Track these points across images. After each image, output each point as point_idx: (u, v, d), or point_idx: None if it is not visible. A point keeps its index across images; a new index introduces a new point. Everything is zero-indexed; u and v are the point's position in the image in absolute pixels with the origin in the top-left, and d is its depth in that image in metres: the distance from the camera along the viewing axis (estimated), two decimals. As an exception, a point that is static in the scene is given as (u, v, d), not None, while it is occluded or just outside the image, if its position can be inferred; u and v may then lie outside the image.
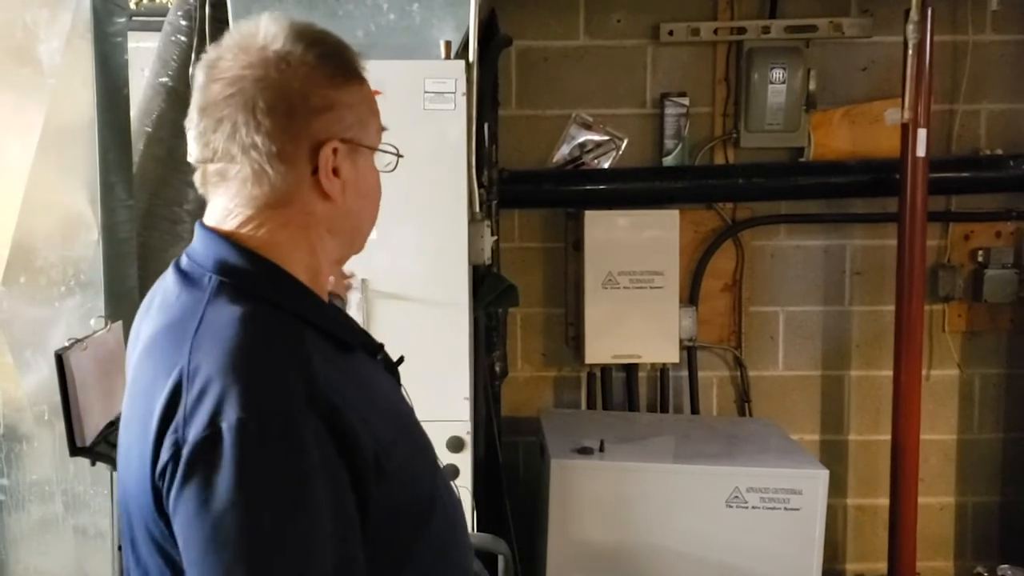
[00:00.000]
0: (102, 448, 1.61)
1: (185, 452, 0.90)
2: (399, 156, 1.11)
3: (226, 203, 1.04)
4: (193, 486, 0.89)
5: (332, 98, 1.03)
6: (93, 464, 1.67)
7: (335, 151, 1.03)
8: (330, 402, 0.94)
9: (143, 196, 2.72)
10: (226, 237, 1.03)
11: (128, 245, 2.60)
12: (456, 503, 1.16)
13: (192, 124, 1.04)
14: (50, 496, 2.38)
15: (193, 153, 1.05)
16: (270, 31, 1.02)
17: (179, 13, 2.70)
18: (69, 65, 2.29)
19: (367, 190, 1.09)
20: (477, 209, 2.27)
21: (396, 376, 1.17)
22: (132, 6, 3.00)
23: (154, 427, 0.93)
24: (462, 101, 2.22)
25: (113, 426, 1.69)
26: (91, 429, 1.58)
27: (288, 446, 0.90)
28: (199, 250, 1.05)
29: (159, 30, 2.79)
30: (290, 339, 0.98)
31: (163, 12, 2.82)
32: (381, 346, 1.15)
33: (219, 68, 1.02)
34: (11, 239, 2.31)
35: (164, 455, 0.92)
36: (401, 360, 1.19)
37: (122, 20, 2.52)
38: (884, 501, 3.22)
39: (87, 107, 2.33)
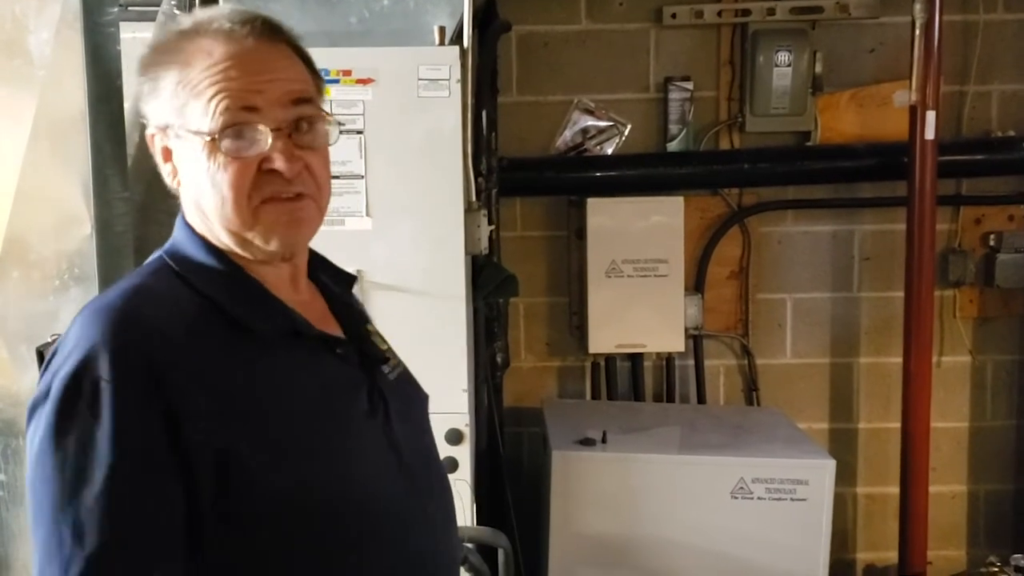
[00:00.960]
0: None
1: (29, 403, 0.97)
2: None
3: None
4: (28, 432, 0.97)
5: (154, 85, 1.07)
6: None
7: (152, 137, 1.11)
8: (167, 383, 0.95)
9: (139, 189, 2.69)
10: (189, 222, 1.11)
11: (124, 238, 2.57)
12: (404, 520, 1.09)
13: None
14: (48, 491, 2.37)
15: None
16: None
17: (173, 2, 2.67)
18: (59, 56, 2.26)
19: (199, 170, 1.05)
20: (473, 198, 2.24)
21: (368, 371, 1.14)
22: (127, -4, 2.96)
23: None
24: (457, 88, 2.17)
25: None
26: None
27: (90, 419, 0.92)
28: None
29: (155, 20, 2.76)
30: (159, 313, 1.00)
31: (158, 2, 2.79)
32: (335, 339, 1.12)
33: None
34: (4, 233, 2.29)
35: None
36: (380, 356, 1.16)
37: (114, 10, 2.49)
38: (895, 490, 3.17)
39: (78, 99, 2.31)
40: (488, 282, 2.60)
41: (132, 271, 2.57)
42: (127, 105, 2.64)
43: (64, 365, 0.95)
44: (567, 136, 3.29)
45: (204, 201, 1.05)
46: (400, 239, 2.22)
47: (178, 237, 1.10)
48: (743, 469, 2.53)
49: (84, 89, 2.30)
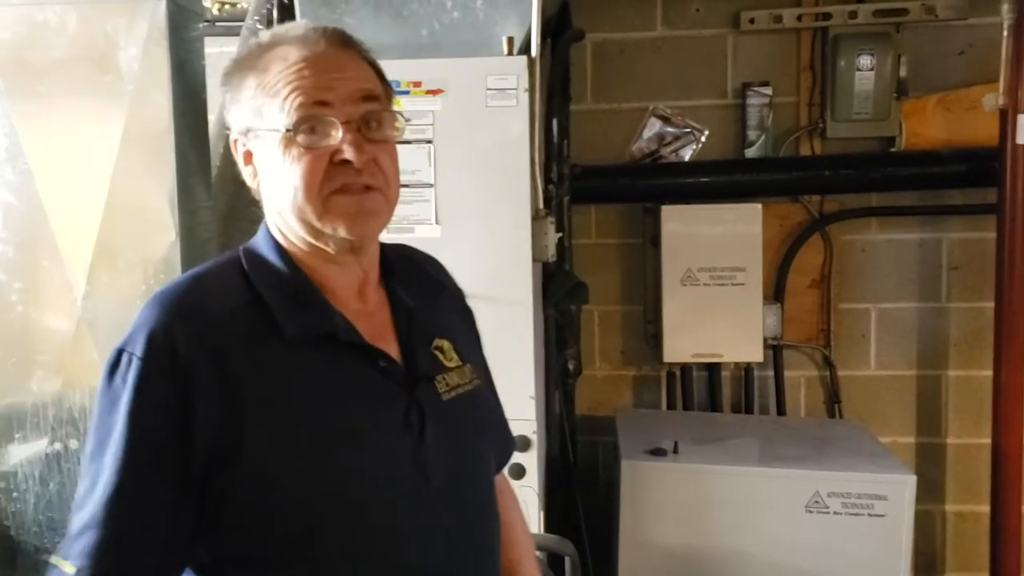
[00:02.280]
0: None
1: None
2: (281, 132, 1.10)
3: None
4: None
5: (234, 95, 1.15)
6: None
7: (235, 142, 1.17)
8: (189, 366, 1.02)
9: (223, 197, 2.79)
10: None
11: (208, 246, 2.67)
12: (409, 535, 1.10)
13: None
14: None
15: None
16: None
17: (256, 17, 2.77)
18: (146, 71, 2.36)
19: (276, 169, 1.11)
20: (541, 205, 2.25)
21: (410, 387, 1.14)
22: (215, 12, 3.08)
23: None
24: (524, 97, 2.19)
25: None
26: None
27: (117, 386, 1.03)
28: None
29: (239, 35, 2.86)
30: (206, 300, 1.08)
31: (242, 17, 2.89)
32: (377, 352, 1.13)
33: None
34: (95, 240, 2.41)
35: None
36: (429, 375, 1.17)
37: (198, 26, 2.59)
38: (986, 508, 3.04)
39: (165, 111, 2.41)
40: (558, 289, 2.61)
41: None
42: (212, 117, 2.75)
43: (120, 340, 1.07)
44: (642, 143, 3.28)
45: (280, 194, 1.11)
46: (468, 246, 2.24)
47: (258, 236, 1.18)
48: (818, 483, 2.46)
49: (170, 102, 2.40)
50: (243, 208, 2.83)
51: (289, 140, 1.08)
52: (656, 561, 2.54)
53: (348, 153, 1.08)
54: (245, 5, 3.05)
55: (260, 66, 1.11)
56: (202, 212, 2.61)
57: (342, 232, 1.10)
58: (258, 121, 1.11)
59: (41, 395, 2.42)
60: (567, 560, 2.24)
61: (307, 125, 1.08)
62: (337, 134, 1.08)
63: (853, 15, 3.09)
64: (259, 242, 1.16)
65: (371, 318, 1.17)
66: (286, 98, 1.08)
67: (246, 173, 1.17)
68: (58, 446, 2.42)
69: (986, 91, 2.93)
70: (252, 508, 1.03)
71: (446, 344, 1.23)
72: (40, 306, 2.41)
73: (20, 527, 2.46)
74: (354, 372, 1.11)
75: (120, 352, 1.05)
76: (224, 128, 3.04)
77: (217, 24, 3.08)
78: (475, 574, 1.18)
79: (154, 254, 2.46)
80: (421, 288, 1.25)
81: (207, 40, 2.73)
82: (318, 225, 1.10)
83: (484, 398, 1.27)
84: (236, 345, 1.06)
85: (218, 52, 3.15)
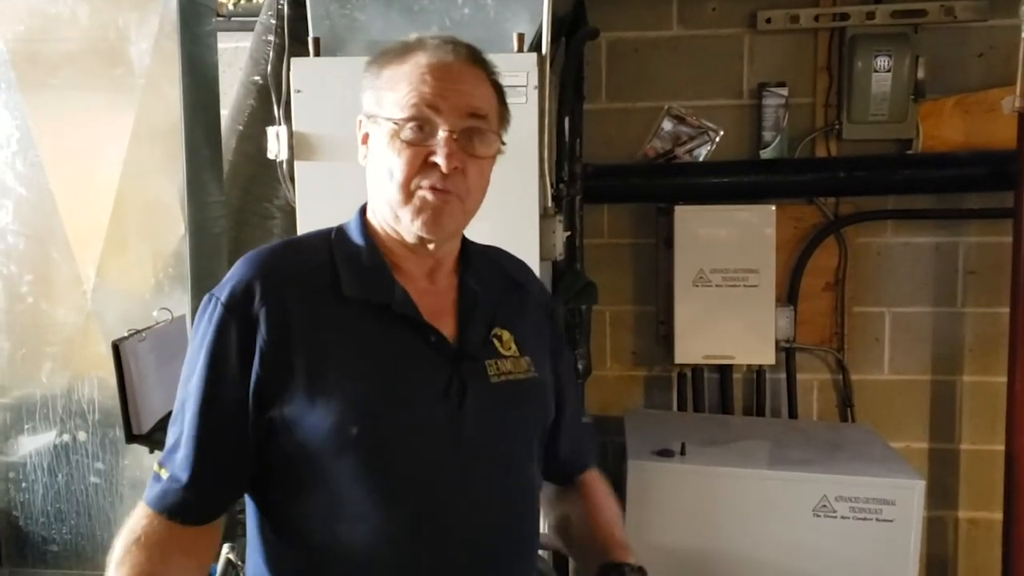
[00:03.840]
0: (159, 436, 1.65)
1: None
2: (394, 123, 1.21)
3: None
4: None
5: (369, 82, 1.26)
6: (151, 452, 1.72)
7: (360, 123, 1.27)
8: (258, 313, 1.17)
9: (235, 193, 2.79)
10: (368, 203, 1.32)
11: (219, 240, 2.68)
12: (468, 501, 1.21)
13: None
14: (142, 481, 2.49)
15: None
16: None
17: (269, 13, 2.76)
18: (158, 65, 2.38)
19: (378, 153, 1.24)
20: (549, 204, 2.23)
21: (456, 363, 1.23)
22: (230, 7, 3.08)
23: None
24: (534, 94, 2.17)
25: (172, 415, 1.73)
26: (148, 417, 1.62)
27: (203, 323, 1.20)
28: None
29: (253, 30, 2.86)
30: (288, 260, 1.24)
31: (258, 12, 2.89)
32: (428, 326, 1.23)
33: None
34: (105, 234, 2.42)
35: None
36: (477, 354, 1.25)
37: (211, 21, 2.60)
38: (999, 515, 3.01)
39: (176, 105, 2.42)
40: (568, 289, 2.60)
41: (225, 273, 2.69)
42: (224, 112, 2.76)
43: (214, 287, 1.23)
44: (656, 143, 3.26)
45: (376, 177, 1.24)
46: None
47: (353, 216, 1.31)
48: (826, 486, 2.44)
49: (181, 96, 2.41)
50: (254, 203, 2.84)
51: (395, 132, 1.20)
52: (661, 562, 2.51)
53: (439, 156, 1.19)
54: (259, 0, 3.05)
55: (397, 62, 1.23)
56: (213, 207, 2.62)
57: (416, 226, 1.21)
58: (377, 108, 1.23)
59: (50, 387, 2.43)
60: (571, 560, 2.23)
61: (414, 123, 1.19)
62: (436, 138, 1.19)
63: (871, 16, 3.06)
64: (351, 221, 1.30)
65: (435, 297, 1.27)
66: (404, 95, 1.20)
67: (360, 153, 1.28)
68: (67, 437, 2.44)
69: (1005, 94, 2.89)
70: (290, 438, 1.18)
71: (506, 334, 1.30)
72: (50, 298, 2.43)
73: (28, 517, 2.48)
74: (402, 340, 1.22)
75: (211, 297, 1.21)
76: (237, 123, 3.04)
77: (232, 19, 3.08)
78: (500, 542, 1.25)
79: (164, 248, 2.47)
80: (494, 282, 1.34)
81: (221, 35, 2.74)
82: (399, 213, 1.22)
83: (541, 392, 1.33)
84: (301, 299, 1.19)
85: (232, 47, 3.17)
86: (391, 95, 1.22)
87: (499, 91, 1.28)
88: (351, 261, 1.24)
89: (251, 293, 1.18)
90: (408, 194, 1.20)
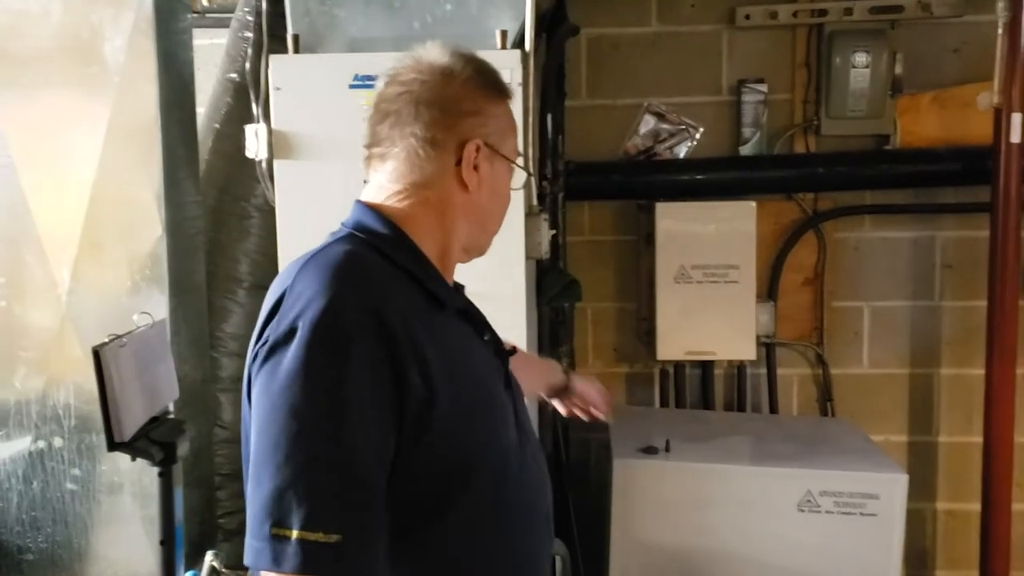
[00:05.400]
0: (141, 444, 1.62)
1: (269, 342, 1.09)
2: (530, 174, 1.32)
3: (382, 181, 1.26)
4: (267, 366, 1.08)
5: (481, 106, 1.26)
6: (133, 459, 1.69)
7: (478, 149, 1.25)
8: (394, 337, 1.09)
9: (212, 192, 2.75)
10: (372, 207, 1.25)
11: (196, 241, 2.64)
12: (536, 488, 1.28)
13: (368, 116, 1.28)
14: (119, 487, 2.44)
15: (364, 139, 1.28)
16: (440, 52, 1.27)
17: (246, 9, 2.72)
18: (133, 63, 2.33)
19: (499, 192, 1.30)
20: (535, 202, 2.22)
21: (503, 361, 1.32)
22: (205, 3, 3.03)
23: (256, 333, 1.14)
24: (519, 91, 2.16)
25: (156, 422, 1.70)
26: (130, 424, 1.59)
27: (339, 356, 1.06)
28: (348, 218, 1.27)
29: (229, 27, 2.82)
30: (380, 276, 1.17)
31: (232, 8, 2.85)
32: (486, 324, 1.32)
33: (396, 75, 1.26)
34: (79, 235, 2.37)
35: (258, 351, 1.11)
36: (510, 351, 1.35)
37: (187, 17, 2.55)
38: (976, 506, 3.04)
39: (151, 104, 2.38)
40: (551, 287, 2.59)
41: (203, 274, 2.61)
42: (201, 111, 2.72)
43: (308, 310, 1.08)
44: (637, 139, 3.25)
45: (483, 207, 1.29)
46: (460, 243, 2.21)
47: (357, 214, 1.26)
48: (810, 481, 2.45)
49: (157, 95, 2.37)
50: (232, 203, 2.80)
51: (509, 178, 1.31)
52: (647, 560, 2.52)
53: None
54: (235, -4, 3.01)
55: (505, 97, 1.30)
56: (190, 207, 2.58)
57: (484, 250, 1.34)
58: (500, 143, 1.28)
59: (25, 392, 2.38)
60: (558, 559, 2.22)
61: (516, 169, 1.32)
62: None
63: (849, 12, 3.07)
64: (379, 231, 1.23)
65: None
66: (516, 140, 1.32)
67: (471, 178, 1.26)
68: (42, 444, 2.39)
69: (981, 89, 2.91)
70: (436, 466, 1.13)
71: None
72: (23, 302, 2.38)
73: (3, 526, 2.42)
74: (477, 342, 1.28)
75: (325, 323, 1.08)
76: (214, 122, 2.98)
77: (207, 16, 3.03)
78: (549, 520, 1.35)
79: (140, 249, 2.43)
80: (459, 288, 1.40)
81: (196, 32, 2.69)
82: (485, 240, 1.33)
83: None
84: (416, 319, 1.15)
85: (208, 44, 3.12)
86: (512, 140, 1.31)
87: None
88: (419, 266, 1.22)
89: (377, 314, 1.10)
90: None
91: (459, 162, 1.24)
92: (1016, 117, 2.74)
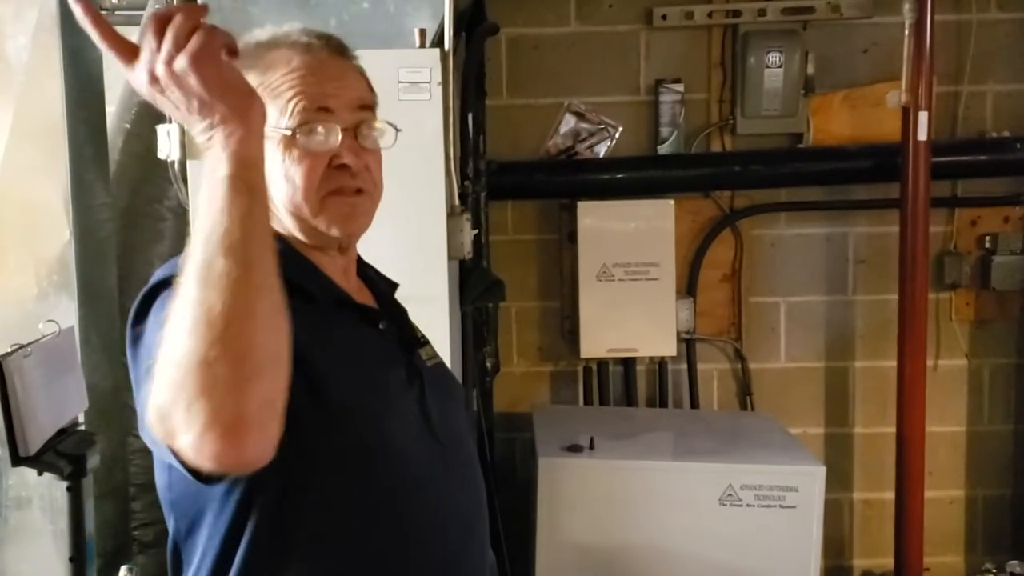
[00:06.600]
0: (48, 457, 1.56)
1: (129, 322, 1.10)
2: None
3: None
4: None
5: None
6: (40, 474, 1.62)
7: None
8: None
9: (123, 194, 2.66)
10: None
11: (106, 245, 2.55)
12: (451, 491, 1.20)
13: None
14: (27, 502, 2.35)
15: None
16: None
17: (157, 6, 2.65)
18: (37, 61, 2.24)
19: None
20: (456, 202, 2.20)
21: (409, 349, 1.24)
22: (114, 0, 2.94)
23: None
24: (438, 91, 2.14)
25: (64, 434, 1.63)
26: (36, 438, 1.53)
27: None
28: None
29: (139, 24, 2.74)
30: None
31: (142, 5, 2.76)
32: (378, 312, 1.25)
33: None
34: (-18, 240, 2.27)
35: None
36: (417, 341, 1.27)
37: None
38: (891, 495, 3.13)
39: (57, 103, 2.29)
40: (475, 287, 2.57)
41: (114, 278, 2.53)
42: (110, 109, 2.63)
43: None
44: (558, 139, 3.26)
45: (277, 190, 1.15)
46: (381, 244, 2.15)
47: None
48: (731, 476, 2.49)
49: (63, 93, 2.28)
50: (144, 205, 2.71)
51: (290, 141, 1.14)
52: (573, 558, 2.53)
53: (347, 158, 1.14)
54: (145, -8, 2.92)
55: (261, 66, 1.15)
56: (99, 209, 2.49)
57: (335, 231, 1.17)
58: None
59: (-76, 404, 2.28)
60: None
61: (308, 128, 1.14)
62: (337, 139, 1.14)
63: (762, 13, 3.14)
64: None
65: (358, 294, 1.26)
66: (289, 101, 1.14)
67: None
68: (-56, 457, 2.29)
69: (889, 88, 3.01)
70: (310, 462, 1.07)
71: (414, 324, 1.33)
72: (-77, 309, 2.27)
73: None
74: (364, 333, 1.20)
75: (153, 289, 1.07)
76: (124, 121, 2.90)
77: (116, 13, 2.94)
78: (477, 517, 1.26)
79: (47, 253, 2.34)
80: (383, 282, 1.36)
81: (103, 29, 2.61)
82: (312, 223, 1.17)
83: (450, 372, 1.38)
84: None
85: (116, 42, 3.03)
86: (274, 104, 1.13)
87: (366, 78, 1.24)
88: (291, 263, 1.13)
89: None
90: (319, 203, 1.16)
91: None
92: (923, 115, 2.83)
